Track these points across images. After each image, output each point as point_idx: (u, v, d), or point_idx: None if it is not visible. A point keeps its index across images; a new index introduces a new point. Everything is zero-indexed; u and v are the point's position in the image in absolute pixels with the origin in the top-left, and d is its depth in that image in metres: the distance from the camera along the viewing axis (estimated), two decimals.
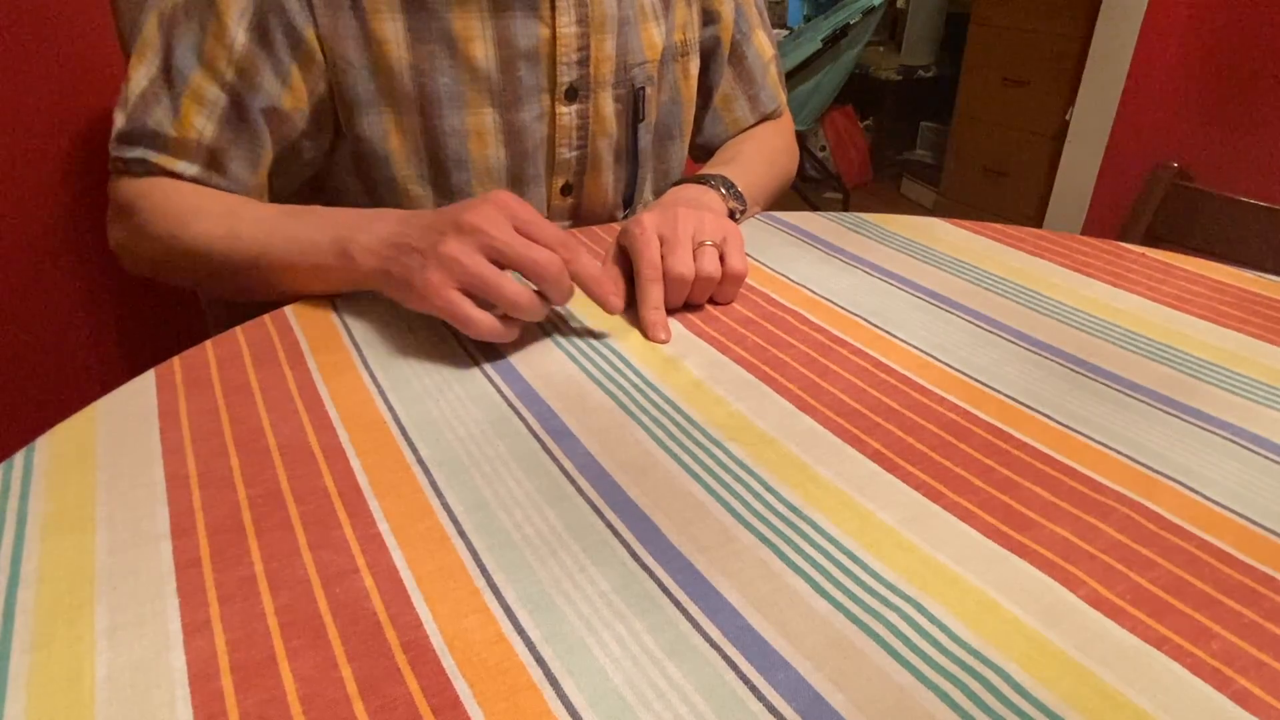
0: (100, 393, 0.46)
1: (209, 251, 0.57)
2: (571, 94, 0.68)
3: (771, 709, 0.28)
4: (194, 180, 0.60)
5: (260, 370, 0.48)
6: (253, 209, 0.59)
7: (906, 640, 0.31)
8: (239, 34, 0.58)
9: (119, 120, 0.59)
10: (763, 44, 0.83)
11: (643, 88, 0.72)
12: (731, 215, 0.68)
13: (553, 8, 0.64)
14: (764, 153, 0.81)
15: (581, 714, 0.28)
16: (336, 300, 0.56)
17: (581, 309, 0.56)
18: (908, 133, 3.24)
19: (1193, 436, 0.43)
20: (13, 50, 0.83)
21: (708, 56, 0.81)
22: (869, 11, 2.49)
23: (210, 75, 0.58)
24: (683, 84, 0.78)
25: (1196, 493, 0.39)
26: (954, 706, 0.28)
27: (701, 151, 0.87)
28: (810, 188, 3.02)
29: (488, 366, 0.49)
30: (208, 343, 0.51)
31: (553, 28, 0.65)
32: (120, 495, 0.38)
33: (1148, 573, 0.34)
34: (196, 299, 0.80)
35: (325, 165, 0.69)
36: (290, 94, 0.61)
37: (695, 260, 0.54)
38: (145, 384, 0.47)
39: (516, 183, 0.70)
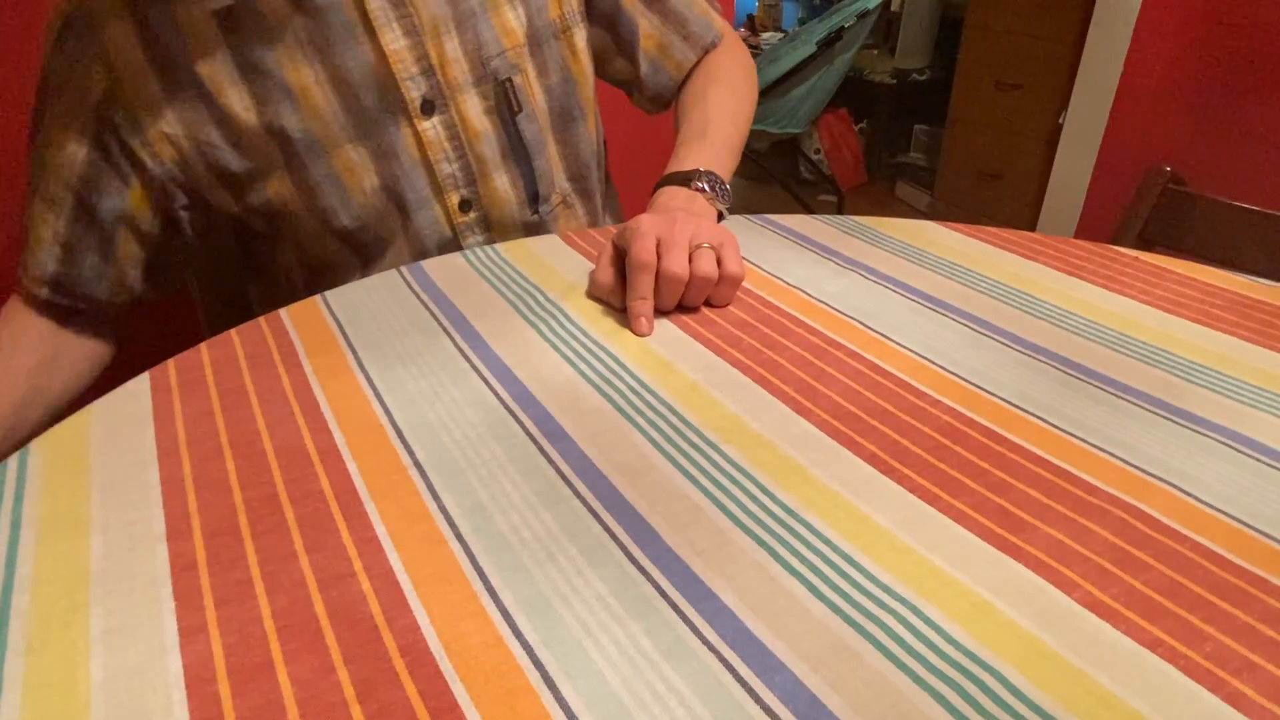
0: (95, 395, 0.46)
1: None
2: (428, 107, 0.66)
3: (769, 711, 0.28)
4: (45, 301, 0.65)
5: (255, 373, 0.48)
6: None
7: (903, 643, 0.31)
8: (80, 150, 0.62)
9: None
10: None
11: (509, 79, 0.69)
12: (720, 217, 0.68)
13: (370, 29, 0.62)
14: (730, 101, 0.77)
15: (579, 717, 0.28)
16: (332, 303, 0.56)
17: (578, 311, 0.56)
18: (902, 136, 3.25)
19: (1185, 439, 0.43)
20: (13, 52, 0.83)
21: (608, 21, 0.76)
22: (863, 15, 2.50)
23: (57, 195, 0.62)
24: (571, 61, 0.73)
25: (1189, 495, 0.39)
26: (950, 708, 0.29)
27: (654, 105, 0.83)
28: (805, 191, 3.02)
29: (484, 369, 0.49)
30: (203, 345, 0.51)
31: (379, 48, 0.63)
32: (115, 498, 0.38)
33: (1141, 575, 0.34)
34: (191, 301, 0.80)
35: (263, 252, 0.72)
36: (134, 197, 0.64)
37: (691, 262, 0.55)
38: (140, 387, 0.47)
39: (404, 209, 0.68)
